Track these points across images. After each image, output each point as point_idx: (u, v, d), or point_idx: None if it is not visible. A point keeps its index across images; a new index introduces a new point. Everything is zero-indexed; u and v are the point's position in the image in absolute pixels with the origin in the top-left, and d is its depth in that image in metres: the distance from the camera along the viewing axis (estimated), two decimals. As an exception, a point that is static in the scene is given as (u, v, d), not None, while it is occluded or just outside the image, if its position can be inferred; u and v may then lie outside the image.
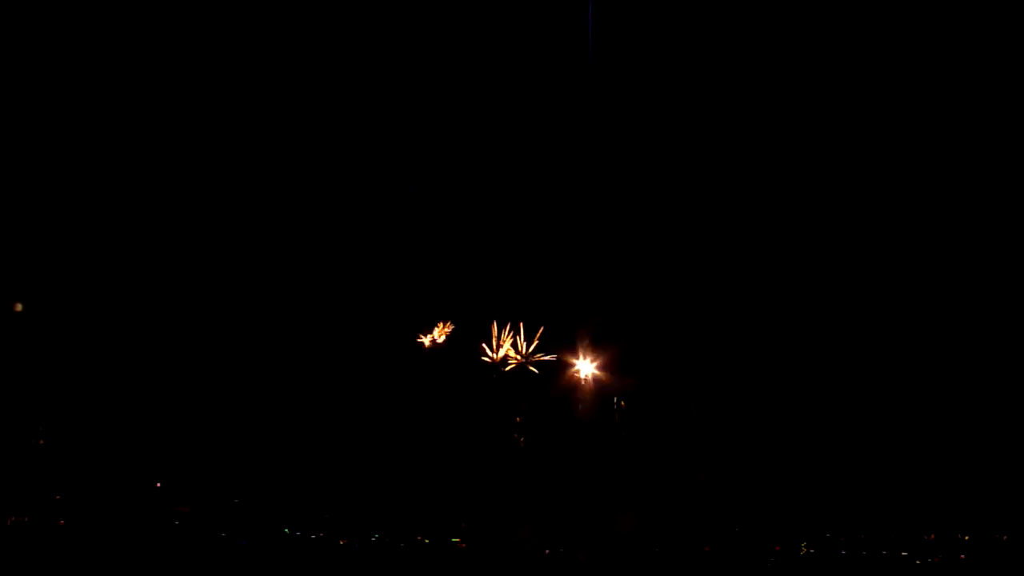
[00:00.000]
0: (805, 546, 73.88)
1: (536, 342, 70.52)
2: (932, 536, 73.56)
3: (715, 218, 76.82)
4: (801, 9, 74.22)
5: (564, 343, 71.19)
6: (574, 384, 70.94)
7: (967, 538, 73.28)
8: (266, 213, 73.55)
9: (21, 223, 69.92)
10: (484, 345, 70.23)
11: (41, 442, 69.51)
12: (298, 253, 72.53)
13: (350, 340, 69.96)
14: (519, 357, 70.32)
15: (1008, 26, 72.32)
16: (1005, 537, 72.76)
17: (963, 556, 72.52)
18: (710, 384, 72.21)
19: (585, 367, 70.92)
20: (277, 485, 71.77)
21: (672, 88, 76.20)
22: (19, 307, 69.04)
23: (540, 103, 74.63)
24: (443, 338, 69.53)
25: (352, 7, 73.49)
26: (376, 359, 69.00)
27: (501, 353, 70.42)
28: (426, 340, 69.08)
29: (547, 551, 69.17)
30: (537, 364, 70.33)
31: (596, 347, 71.25)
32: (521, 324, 70.59)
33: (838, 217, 77.30)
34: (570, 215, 73.88)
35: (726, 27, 75.32)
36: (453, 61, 74.76)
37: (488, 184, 73.88)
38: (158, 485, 70.55)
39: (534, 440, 70.37)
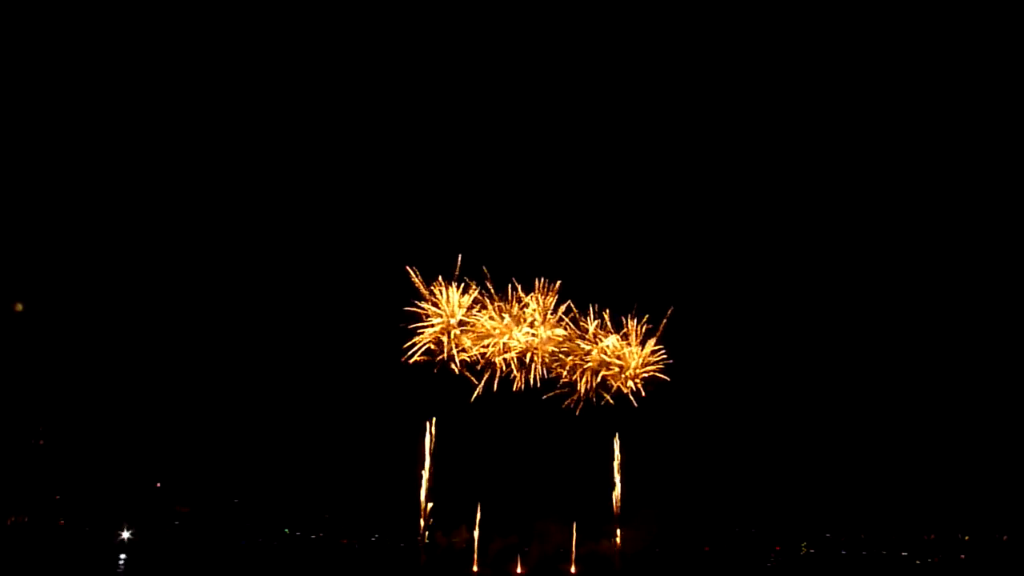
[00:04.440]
0: (805, 546, 73.90)
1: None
2: (932, 536, 73.59)
3: (718, 220, 77.15)
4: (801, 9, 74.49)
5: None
6: (573, 388, 70.71)
7: (967, 538, 73.30)
8: (266, 214, 73.54)
9: (21, 223, 69.91)
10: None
11: (41, 442, 69.47)
12: (298, 254, 72.50)
13: (350, 343, 69.86)
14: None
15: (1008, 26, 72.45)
16: (1005, 537, 72.79)
17: (963, 556, 72.54)
18: (711, 386, 72.19)
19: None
20: (277, 485, 71.74)
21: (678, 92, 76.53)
22: (19, 307, 68.97)
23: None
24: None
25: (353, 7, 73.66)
26: (377, 363, 68.90)
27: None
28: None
29: (547, 550, 69.14)
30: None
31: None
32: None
33: (840, 219, 77.58)
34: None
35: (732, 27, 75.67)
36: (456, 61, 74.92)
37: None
38: (158, 485, 70.54)
39: (534, 440, 70.22)
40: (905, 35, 74.87)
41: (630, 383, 68.64)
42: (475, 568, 66.28)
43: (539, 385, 67.96)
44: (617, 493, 68.33)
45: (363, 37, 74.54)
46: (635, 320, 68.89)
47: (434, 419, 65.56)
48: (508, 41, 74.26)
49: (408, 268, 65.64)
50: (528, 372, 67.51)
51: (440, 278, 66.25)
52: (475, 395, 66.71)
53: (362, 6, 73.29)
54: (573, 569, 68.01)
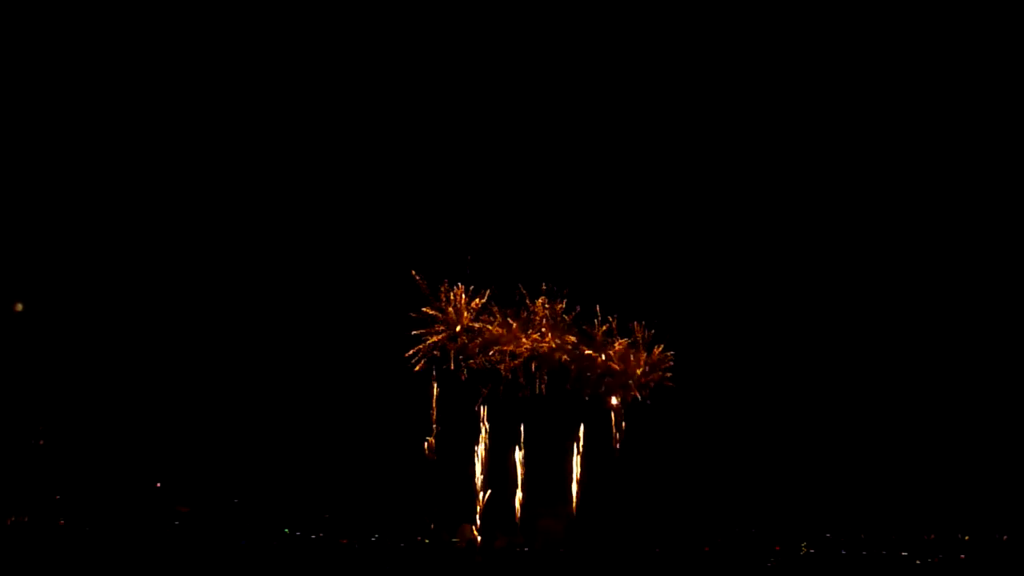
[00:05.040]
0: (805, 546, 73.92)
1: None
2: (932, 536, 73.62)
3: (716, 219, 77.14)
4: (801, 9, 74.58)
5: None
6: (572, 384, 70.80)
7: (967, 538, 73.33)
8: (266, 214, 73.50)
9: (21, 223, 69.91)
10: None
11: (41, 442, 69.47)
12: (298, 254, 72.46)
13: (350, 341, 69.83)
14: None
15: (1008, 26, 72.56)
16: (1005, 537, 72.83)
17: (963, 556, 72.57)
18: (711, 385, 72.22)
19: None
20: (277, 485, 71.73)
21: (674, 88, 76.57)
22: (19, 307, 68.99)
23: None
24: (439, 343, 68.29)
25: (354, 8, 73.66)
26: (376, 361, 68.91)
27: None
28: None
29: (548, 551, 69.24)
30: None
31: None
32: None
33: (839, 218, 77.63)
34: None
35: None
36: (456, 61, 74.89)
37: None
38: (158, 485, 70.53)
39: (533, 439, 70.32)
40: (905, 35, 75.07)
41: (633, 391, 69.15)
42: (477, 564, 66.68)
43: (544, 392, 68.42)
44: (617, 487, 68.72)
45: (368, 38, 74.63)
46: (642, 326, 69.47)
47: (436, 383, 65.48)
48: (515, 46, 74.39)
49: (413, 272, 66.06)
50: (535, 379, 67.96)
51: (446, 282, 66.65)
52: (480, 401, 67.24)
53: (365, 7, 73.45)
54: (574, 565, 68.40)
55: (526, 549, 68.19)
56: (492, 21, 73.85)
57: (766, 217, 77.21)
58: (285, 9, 73.43)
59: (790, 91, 76.63)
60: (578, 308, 68.25)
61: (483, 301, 66.73)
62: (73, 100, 71.67)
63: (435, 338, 66.27)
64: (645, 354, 68.68)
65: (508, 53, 74.16)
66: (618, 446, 69.99)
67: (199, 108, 73.52)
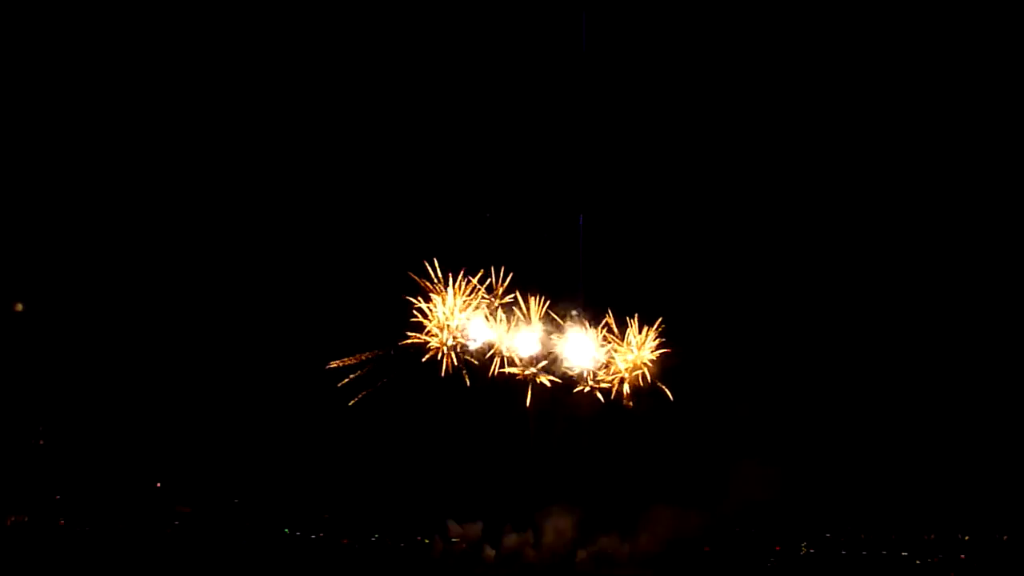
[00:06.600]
0: (805, 546, 73.97)
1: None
2: (932, 536, 73.67)
3: (714, 218, 77.10)
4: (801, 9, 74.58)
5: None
6: (572, 383, 70.88)
7: (967, 538, 73.38)
8: (266, 214, 73.51)
9: (21, 223, 69.97)
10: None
11: (41, 442, 69.55)
12: (300, 254, 72.46)
13: (349, 341, 69.87)
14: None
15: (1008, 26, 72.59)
16: (1005, 537, 72.88)
17: (963, 556, 72.62)
18: (711, 384, 72.22)
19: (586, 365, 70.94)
20: (277, 485, 71.78)
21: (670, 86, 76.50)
22: (19, 307, 69.05)
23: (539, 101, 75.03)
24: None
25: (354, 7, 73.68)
26: (376, 361, 68.94)
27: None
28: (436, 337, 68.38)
29: (546, 551, 69.28)
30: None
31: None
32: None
33: (839, 217, 77.59)
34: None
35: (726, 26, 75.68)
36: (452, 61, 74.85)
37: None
38: (158, 485, 70.59)
39: (533, 439, 70.39)
40: (905, 35, 75.13)
41: (626, 385, 69.53)
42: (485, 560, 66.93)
43: (548, 384, 68.84)
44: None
45: (366, 39, 74.61)
46: (636, 323, 69.83)
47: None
48: (504, 48, 74.25)
49: (412, 275, 66.53)
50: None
51: (440, 283, 67.05)
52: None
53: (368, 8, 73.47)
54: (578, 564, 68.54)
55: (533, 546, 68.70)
56: (493, 22, 73.89)
57: (764, 216, 77.20)
58: (284, 9, 73.49)
59: (787, 91, 76.58)
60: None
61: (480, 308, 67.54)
62: (73, 100, 71.73)
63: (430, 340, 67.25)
64: (637, 350, 69.41)
65: (518, 60, 74.08)
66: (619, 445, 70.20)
67: (197, 108, 73.58)
